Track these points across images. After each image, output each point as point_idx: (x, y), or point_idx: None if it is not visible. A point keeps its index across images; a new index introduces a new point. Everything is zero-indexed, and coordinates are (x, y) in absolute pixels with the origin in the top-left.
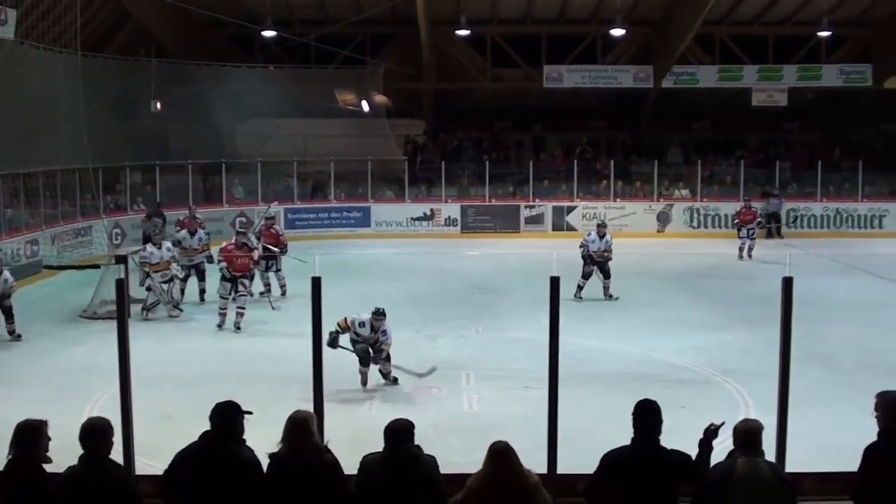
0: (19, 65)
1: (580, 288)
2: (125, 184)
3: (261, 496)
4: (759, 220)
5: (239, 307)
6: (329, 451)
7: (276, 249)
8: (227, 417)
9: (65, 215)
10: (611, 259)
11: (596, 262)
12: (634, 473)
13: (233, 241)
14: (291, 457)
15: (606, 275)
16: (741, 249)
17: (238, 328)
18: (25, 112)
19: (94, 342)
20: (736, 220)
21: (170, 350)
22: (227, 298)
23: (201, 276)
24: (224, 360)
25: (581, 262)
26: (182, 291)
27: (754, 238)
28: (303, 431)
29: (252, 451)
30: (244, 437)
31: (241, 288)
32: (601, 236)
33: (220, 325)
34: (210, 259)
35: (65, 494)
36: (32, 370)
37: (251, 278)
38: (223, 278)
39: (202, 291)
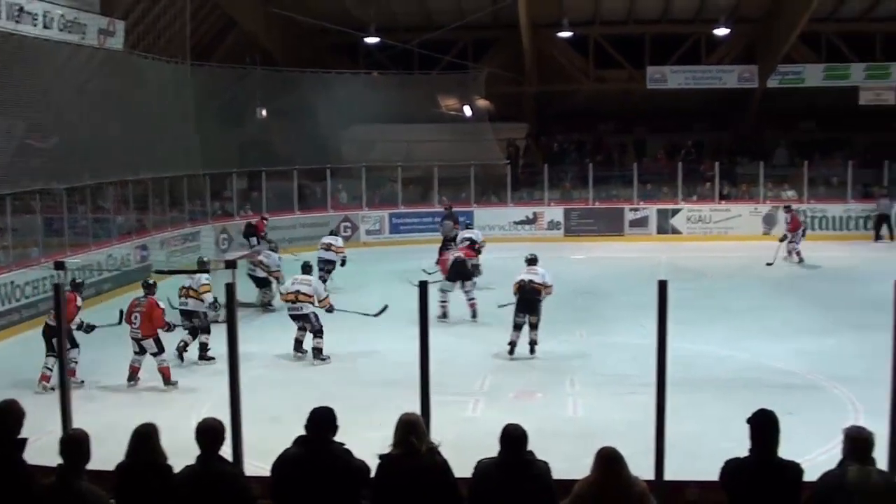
0: (129, 75)
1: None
2: (232, 190)
3: (370, 498)
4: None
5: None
6: (439, 453)
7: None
8: (325, 423)
9: (173, 221)
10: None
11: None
12: (757, 485)
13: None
14: (403, 458)
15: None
16: None
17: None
18: (134, 121)
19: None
20: None
21: (271, 353)
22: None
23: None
24: (330, 363)
25: None
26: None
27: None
28: (415, 432)
29: (351, 453)
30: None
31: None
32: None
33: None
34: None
35: (184, 492)
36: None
37: None
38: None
39: None
